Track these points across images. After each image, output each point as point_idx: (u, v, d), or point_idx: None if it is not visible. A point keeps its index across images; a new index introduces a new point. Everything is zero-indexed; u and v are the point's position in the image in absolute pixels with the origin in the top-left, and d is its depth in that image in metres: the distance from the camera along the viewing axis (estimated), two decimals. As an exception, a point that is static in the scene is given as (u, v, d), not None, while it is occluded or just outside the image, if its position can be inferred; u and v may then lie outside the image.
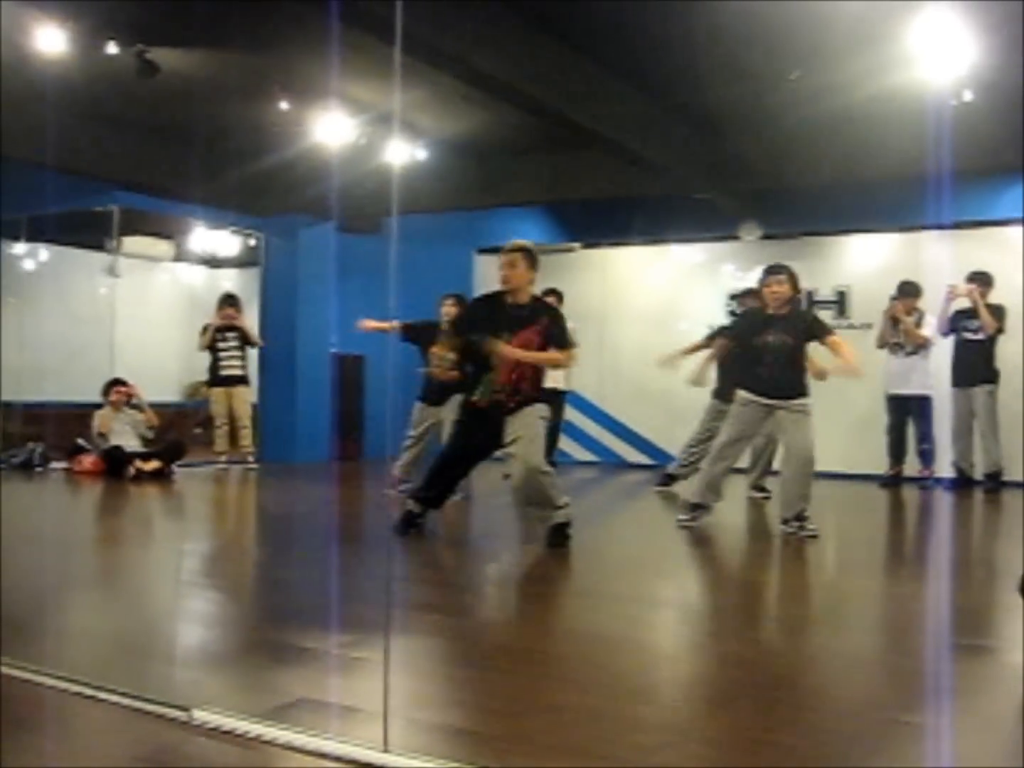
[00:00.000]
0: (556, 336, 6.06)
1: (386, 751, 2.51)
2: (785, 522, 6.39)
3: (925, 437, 9.22)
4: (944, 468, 9.29)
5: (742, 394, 6.59)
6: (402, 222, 10.47)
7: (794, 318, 6.56)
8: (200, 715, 2.79)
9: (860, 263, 10.73)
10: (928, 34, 6.68)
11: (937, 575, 5.43)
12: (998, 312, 9.08)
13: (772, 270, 6.59)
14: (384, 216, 10.50)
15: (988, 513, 8.39)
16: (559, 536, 5.91)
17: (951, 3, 6.22)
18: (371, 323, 8.34)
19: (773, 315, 6.51)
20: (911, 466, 9.39)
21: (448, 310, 8.17)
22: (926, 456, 9.27)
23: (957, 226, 9.63)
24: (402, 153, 9.60)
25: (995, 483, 9.05)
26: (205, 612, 4.51)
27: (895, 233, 10.30)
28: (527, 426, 5.85)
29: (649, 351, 11.21)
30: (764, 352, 6.46)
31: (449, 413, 7.95)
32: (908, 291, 9.14)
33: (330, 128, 8.91)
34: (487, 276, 12.34)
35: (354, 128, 9.03)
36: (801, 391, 6.46)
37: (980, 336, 9.07)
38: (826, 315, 9.87)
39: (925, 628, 4.23)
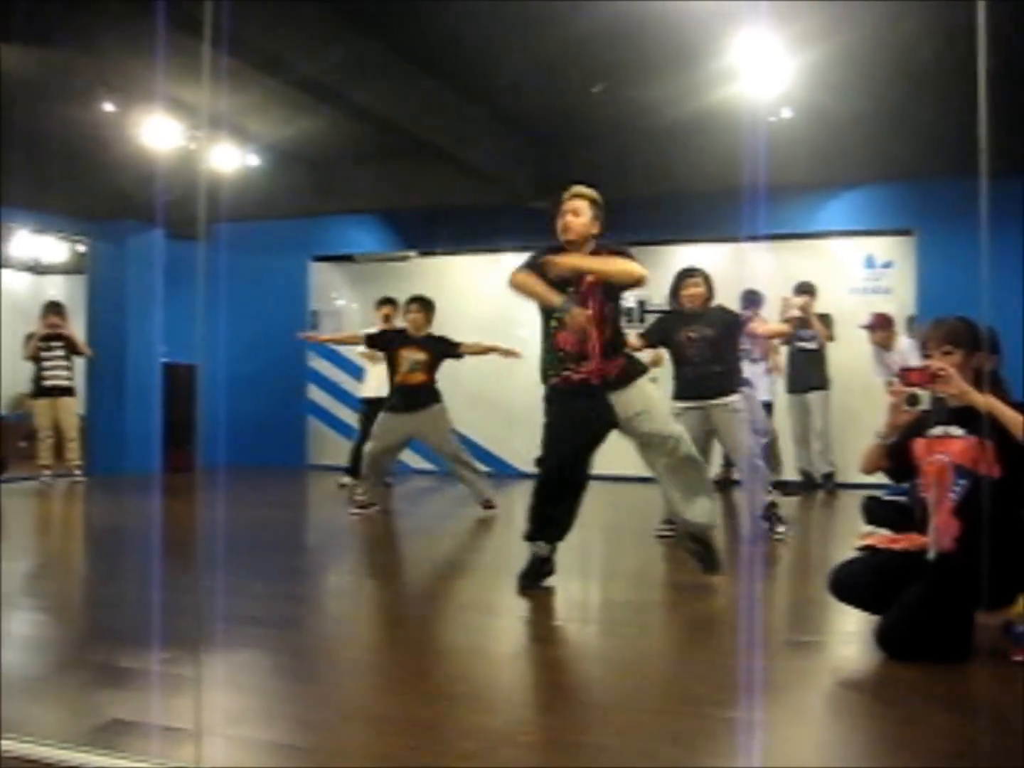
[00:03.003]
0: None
1: (199, 769, 2.47)
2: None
3: None
4: (788, 472, 9.60)
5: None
6: (234, 229, 10.30)
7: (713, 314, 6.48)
8: (7, 744, 2.67)
9: (689, 272, 11.01)
10: (748, 52, 6.94)
11: (770, 575, 5.61)
12: (826, 321, 9.47)
13: (687, 273, 6.55)
14: (214, 222, 10.28)
15: (828, 514, 8.65)
16: (710, 555, 5.16)
17: (768, 23, 6.46)
18: (321, 336, 8.17)
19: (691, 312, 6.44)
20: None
21: (414, 316, 7.95)
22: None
23: (779, 238, 10.03)
24: (232, 158, 9.44)
25: (832, 484, 9.39)
26: (20, 634, 4.33)
27: (722, 244, 10.61)
28: (647, 399, 4.93)
29: (486, 359, 11.31)
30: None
31: (424, 423, 7.85)
32: (753, 300, 9.37)
33: (157, 131, 8.69)
34: (322, 284, 12.26)
35: (182, 132, 8.82)
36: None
37: (813, 345, 9.44)
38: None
39: (748, 626, 4.36)
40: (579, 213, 4.96)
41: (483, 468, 8.65)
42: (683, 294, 6.45)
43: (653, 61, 7.33)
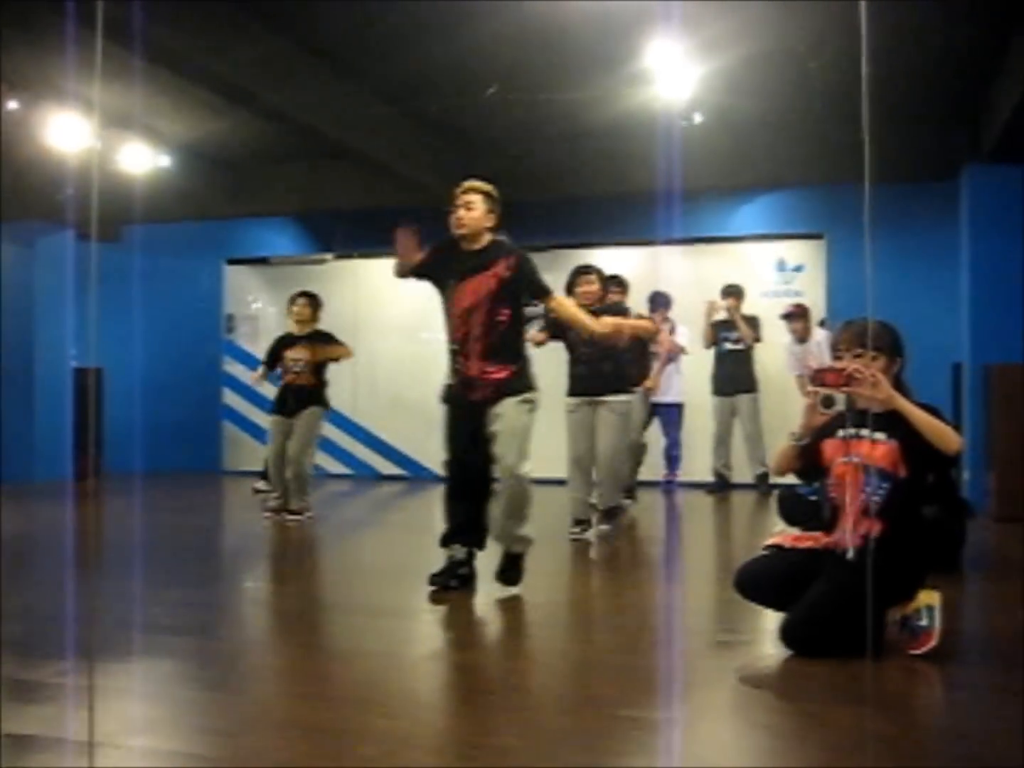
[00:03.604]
0: (524, 282, 4.96)
1: (92, 781, 2.42)
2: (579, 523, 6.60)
3: (676, 443, 9.56)
4: (701, 472, 9.68)
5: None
6: (147, 231, 10.18)
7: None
8: None
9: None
10: (659, 57, 7.01)
11: (682, 576, 5.66)
12: (753, 322, 9.56)
13: (581, 270, 6.69)
14: (126, 224, 10.12)
15: (756, 513, 8.62)
16: (513, 570, 4.98)
17: (678, 28, 6.53)
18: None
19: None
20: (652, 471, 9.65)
21: (301, 310, 7.85)
22: (675, 461, 9.63)
23: (693, 241, 10.15)
24: (143, 159, 9.29)
25: (766, 485, 9.24)
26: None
27: (636, 247, 10.69)
28: (506, 422, 4.80)
29: (403, 361, 11.28)
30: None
31: (296, 425, 7.65)
32: (660, 302, 9.39)
33: (65, 131, 8.50)
34: (237, 286, 12.12)
35: (91, 131, 8.63)
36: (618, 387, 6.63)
37: (740, 346, 9.51)
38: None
39: (656, 627, 4.40)
40: (472, 207, 4.98)
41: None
42: (578, 291, 6.58)
43: (566, 64, 7.36)
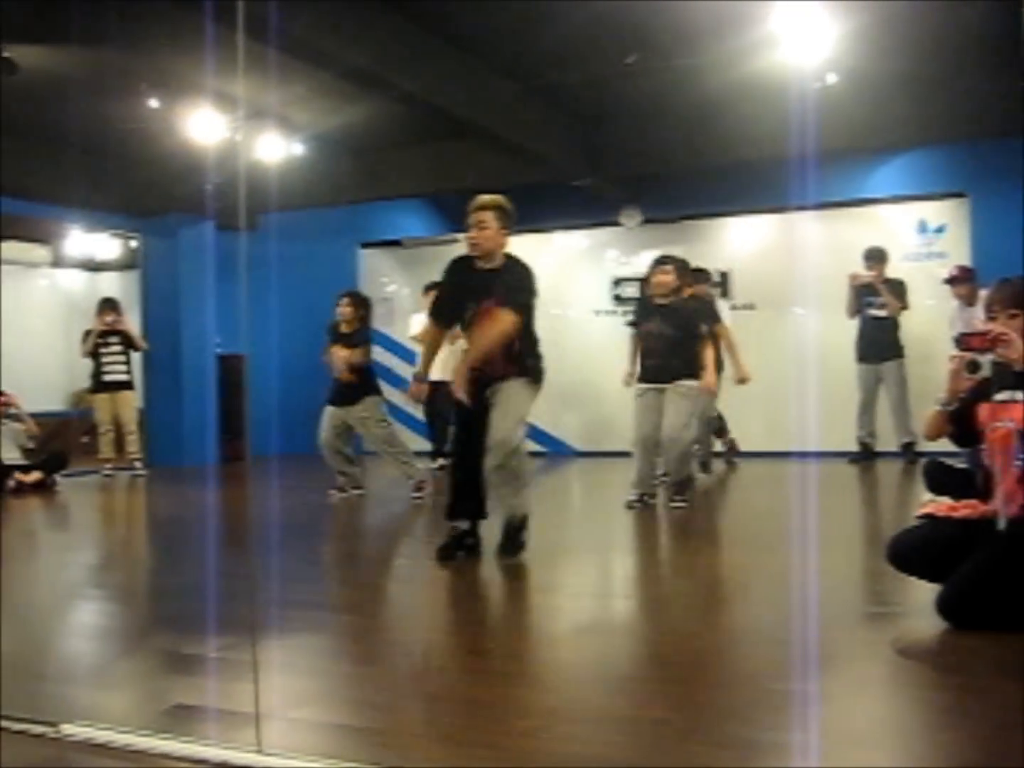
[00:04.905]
0: (510, 296, 4.97)
1: (260, 752, 2.49)
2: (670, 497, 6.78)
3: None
4: (844, 442, 9.46)
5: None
6: (282, 218, 10.39)
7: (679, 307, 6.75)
8: (70, 729, 2.72)
9: (739, 245, 10.92)
10: (791, 17, 6.83)
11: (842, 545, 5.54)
12: (899, 287, 9.23)
13: (659, 260, 6.78)
14: (262, 213, 10.36)
15: (903, 483, 8.42)
16: (513, 541, 5.12)
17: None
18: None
19: (659, 305, 6.73)
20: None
21: (343, 310, 8.04)
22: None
23: (829, 206, 9.88)
24: (277, 148, 9.50)
25: (912, 454, 8.99)
26: (85, 624, 4.41)
27: (770, 214, 10.49)
28: (507, 396, 4.98)
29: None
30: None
31: (353, 416, 7.85)
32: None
33: (203, 125, 8.75)
34: (371, 270, 12.31)
35: (228, 124, 8.87)
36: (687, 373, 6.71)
37: (884, 312, 9.19)
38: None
39: (810, 599, 4.32)
40: (485, 226, 5.00)
41: (538, 448, 8.60)
42: (652, 281, 6.67)
43: (693, 29, 7.23)
